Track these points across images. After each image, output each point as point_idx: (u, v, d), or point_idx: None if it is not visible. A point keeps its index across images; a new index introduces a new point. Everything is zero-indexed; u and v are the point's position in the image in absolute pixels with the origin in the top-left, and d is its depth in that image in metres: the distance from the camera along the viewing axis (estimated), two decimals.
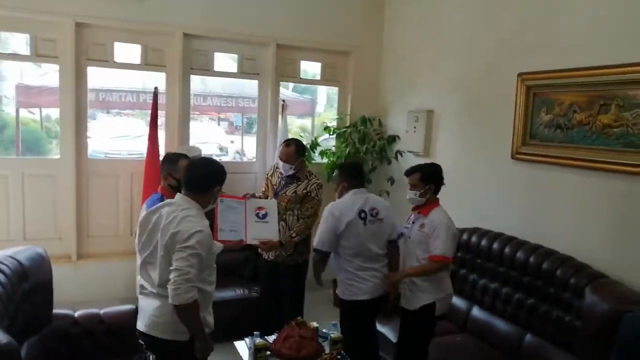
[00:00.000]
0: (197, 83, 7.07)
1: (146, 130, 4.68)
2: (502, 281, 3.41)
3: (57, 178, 4.39)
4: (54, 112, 11.00)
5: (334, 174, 3.55)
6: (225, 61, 5.04)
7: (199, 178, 2.40)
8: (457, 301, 3.69)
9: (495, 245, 3.48)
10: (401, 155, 4.80)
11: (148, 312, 2.36)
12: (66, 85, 4.27)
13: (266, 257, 3.69)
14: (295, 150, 3.60)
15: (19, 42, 4.43)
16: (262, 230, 3.49)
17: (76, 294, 4.15)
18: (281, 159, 3.59)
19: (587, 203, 3.16)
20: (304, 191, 3.59)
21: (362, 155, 4.92)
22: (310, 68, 5.43)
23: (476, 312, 3.57)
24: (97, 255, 4.47)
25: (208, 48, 4.75)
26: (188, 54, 4.64)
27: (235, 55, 4.89)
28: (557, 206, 3.36)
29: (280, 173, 3.66)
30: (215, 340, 3.81)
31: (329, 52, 5.18)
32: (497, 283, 3.44)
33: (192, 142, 10.76)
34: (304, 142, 4.97)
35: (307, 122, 8.10)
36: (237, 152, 9.98)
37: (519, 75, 3.58)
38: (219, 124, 11.96)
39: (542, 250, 3.21)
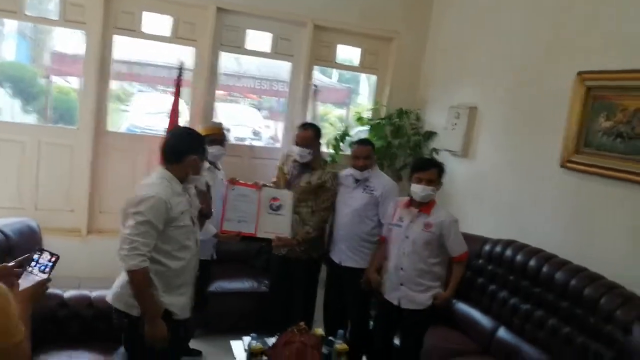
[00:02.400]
0: (232, 62, 6.87)
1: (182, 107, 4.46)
2: (535, 302, 3.02)
3: (74, 149, 4.25)
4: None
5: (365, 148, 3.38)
6: (258, 40, 4.76)
7: (171, 146, 2.34)
8: (482, 319, 3.34)
9: (532, 262, 3.09)
10: (437, 153, 4.43)
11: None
12: (91, 53, 4.12)
13: (276, 252, 3.43)
14: (314, 134, 3.33)
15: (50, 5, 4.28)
16: (274, 223, 3.23)
17: (83, 269, 4.02)
18: (297, 144, 3.31)
19: None
20: (319, 181, 3.30)
21: (394, 150, 4.58)
22: (349, 53, 5.09)
23: (503, 333, 3.19)
24: (108, 232, 4.29)
25: (241, 24, 4.49)
26: (219, 29, 4.39)
27: (269, 34, 4.61)
28: (608, 225, 2.93)
29: (294, 161, 3.39)
30: (216, 334, 3.67)
31: (369, 37, 4.82)
32: (530, 304, 3.06)
33: (227, 124, 10.66)
34: (336, 133, 4.76)
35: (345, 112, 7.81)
36: (271, 138, 9.77)
37: (579, 74, 3.15)
38: (259, 109, 11.77)
39: (586, 274, 2.80)
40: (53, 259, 1.55)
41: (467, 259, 3.03)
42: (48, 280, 1.54)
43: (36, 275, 1.52)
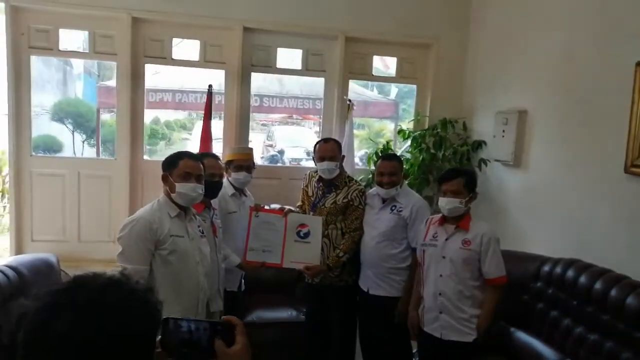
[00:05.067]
0: (274, 84, 6.83)
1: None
2: (604, 332, 2.59)
3: (112, 180, 4.27)
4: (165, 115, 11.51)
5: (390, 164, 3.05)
6: (291, 58, 4.63)
7: None
8: (545, 350, 2.90)
9: (598, 285, 2.66)
10: (485, 164, 4.05)
11: None
12: (123, 83, 4.14)
13: (309, 281, 3.21)
14: (337, 147, 3.14)
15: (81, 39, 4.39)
16: (301, 252, 3.00)
17: None
18: (323, 159, 3.08)
19: None
20: (345, 200, 3.06)
21: (439, 163, 4.25)
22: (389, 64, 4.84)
23: None
24: None
25: (270, 43, 4.38)
26: (248, 50, 4.30)
27: (299, 51, 4.46)
28: None
29: (317, 181, 3.16)
30: None
31: (405, 45, 4.55)
32: (598, 334, 2.62)
33: (282, 145, 10.64)
34: (377, 148, 4.50)
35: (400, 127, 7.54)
36: None
37: (639, 64, 2.73)
38: (321, 128, 11.72)
39: None
40: None
41: (504, 285, 2.65)
42: None
43: None
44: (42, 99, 8.73)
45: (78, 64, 10.70)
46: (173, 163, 2.32)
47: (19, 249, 4.14)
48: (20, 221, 4.15)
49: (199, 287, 2.32)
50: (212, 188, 2.67)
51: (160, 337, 0.95)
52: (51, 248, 4.11)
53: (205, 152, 3.05)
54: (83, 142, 8.54)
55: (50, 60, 9.23)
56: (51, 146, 7.70)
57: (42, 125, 8.05)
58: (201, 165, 2.40)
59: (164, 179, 2.32)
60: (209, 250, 2.48)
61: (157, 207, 2.29)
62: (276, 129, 12.35)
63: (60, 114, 7.72)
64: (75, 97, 8.85)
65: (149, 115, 11.12)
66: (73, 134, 8.00)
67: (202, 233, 2.47)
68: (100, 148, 6.58)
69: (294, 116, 10.72)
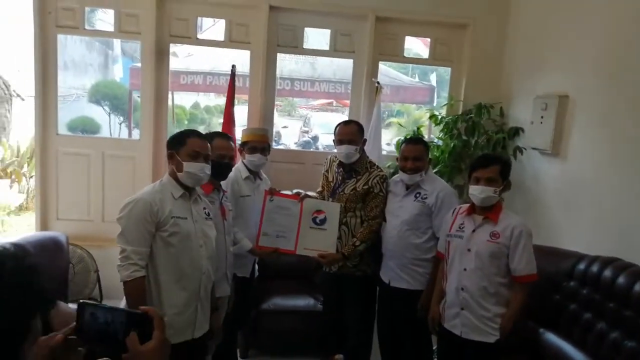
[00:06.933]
0: (307, 67, 6.68)
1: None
2: None
3: (136, 160, 4.25)
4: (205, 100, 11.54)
5: (415, 147, 2.87)
6: (317, 38, 4.46)
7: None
8: (576, 355, 2.68)
9: (638, 287, 2.41)
10: (521, 152, 3.79)
11: None
12: (147, 63, 4.08)
13: (326, 269, 3.07)
14: (358, 129, 2.96)
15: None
16: (316, 239, 2.88)
17: None
18: (342, 142, 2.92)
19: None
20: (365, 187, 2.90)
21: (471, 150, 4.00)
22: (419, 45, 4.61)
23: None
24: None
25: (296, 22, 4.21)
26: (274, 29, 4.16)
27: (327, 31, 4.28)
28: None
29: (338, 166, 3.01)
30: (269, 355, 3.40)
31: (440, 25, 4.29)
32: (636, 341, 2.39)
33: (317, 131, 10.57)
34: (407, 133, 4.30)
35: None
36: None
37: None
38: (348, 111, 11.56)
39: None
40: None
41: (532, 283, 2.43)
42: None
43: None
44: (85, 82, 8.92)
45: (118, 47, 10.85)
46: (181, 141, 2.24)
47: (44, 227, 4.18)
48: (46, 199, 4.19)
49: (201, 270, 2.24)
50: (222, 169, 2.57)
51: (75, 323, 0.86)
52: (75, 227, 4.15)
53: (217, 131, 2.95)
54: (120, 124, 8.67)
55: (93, 43, 9.40)
56: (88, 128, 7.84)
57: (83, 107, 8.21)
58: (209, 145, 2.32)
59: (171, 157, 2.25)
60: (215, 233, 2.38)
61: (159, 187, 2.22)
62: (313, 116, 12.26)
63: (97, 95, 7.84)
64: (112, 79, 8.96)
65: (187, 99, 11.24)
66: (109, 116, 8.11)
67: (208, 215, 2.38)
68: (133, 130, 6.62)
69: (334, 103, 10.60)
